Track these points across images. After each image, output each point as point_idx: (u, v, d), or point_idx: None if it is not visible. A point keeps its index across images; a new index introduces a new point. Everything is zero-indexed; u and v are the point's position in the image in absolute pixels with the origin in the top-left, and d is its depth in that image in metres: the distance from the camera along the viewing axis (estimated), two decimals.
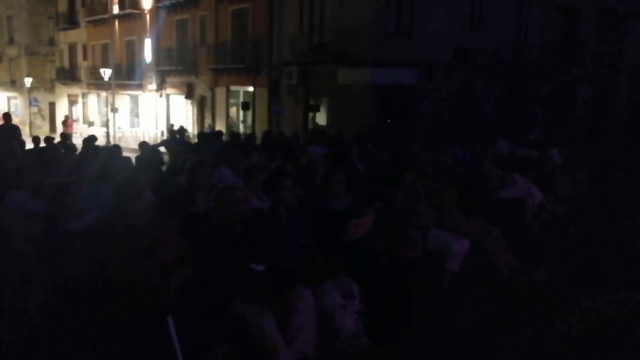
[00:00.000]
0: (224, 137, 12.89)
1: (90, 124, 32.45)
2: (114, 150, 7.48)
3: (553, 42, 18.52)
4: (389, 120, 16.38)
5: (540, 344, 4.15)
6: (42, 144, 10.71)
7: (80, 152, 8.60)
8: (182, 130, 13.97)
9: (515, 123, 17.45)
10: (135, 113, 30.23)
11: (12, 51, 38.08)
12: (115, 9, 28.48)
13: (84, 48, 32.67)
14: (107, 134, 26.71)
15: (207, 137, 12.22)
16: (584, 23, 19.40)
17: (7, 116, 11.97)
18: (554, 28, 18.80)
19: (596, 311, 4.78)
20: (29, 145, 10.75)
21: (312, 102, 18.96)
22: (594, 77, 19.58)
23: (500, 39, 17.02)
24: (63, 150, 8.59)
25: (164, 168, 7.21)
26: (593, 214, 7.27)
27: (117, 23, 28.83)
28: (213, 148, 9.70)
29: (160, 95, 27.15)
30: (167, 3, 24.71)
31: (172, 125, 22.70)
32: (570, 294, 5.09)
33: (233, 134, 12.74)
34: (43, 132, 29.10)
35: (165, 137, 20.73)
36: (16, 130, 11.70)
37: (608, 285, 5.32)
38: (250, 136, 12.14)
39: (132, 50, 28.58)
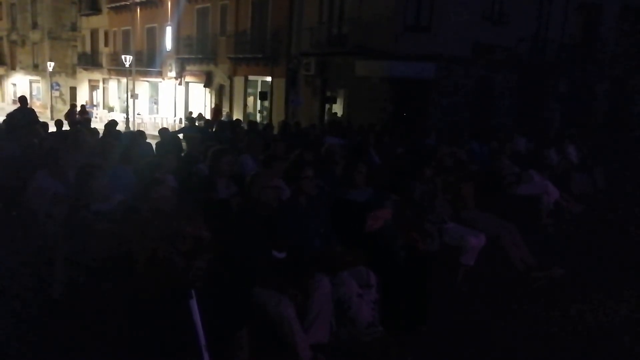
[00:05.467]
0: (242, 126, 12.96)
1: (110, 109, 32.86)
2: (137, 135, 7.60)
3: (573, 38, 18.28)
4: (405, 114, 16.34)
5: (554, 340, 4.19)
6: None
7: (103, 137, 8.76)
8: (200, 118, 14.08)
9: (533, 119, 17.30)
10: (154, 100, 30.53)
11: (35, 35, 38.59)
12: None
13: (106, 34, 33.03)
14: (127, 119, 27.01)
15: (226, 125, 12.32)
16: (605, 20, 19.10)
17: (23, 99, 12.16)
18: (574, 25, 18.54)
19: (612, 309, 4.80)
20: (51, 128, 10.96)
21: (329, 94, 18.98)
22: (613, 75, 19.30)
23: (520, 34, 16.85)
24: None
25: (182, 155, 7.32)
26: (609, 212, 7.25)
27: (138, 10, 29.03)
28: (226, 135, 9.82)
29: (180, 83, 27.36)
30: None
31: (191, 113, 22.88)
32: (585, 291, 5.11)
33: (251, 123, 12.82)
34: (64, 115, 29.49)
35: (183, 125, 20.92)
36: (34, 113, 11.91)
37: (624, 284, 5.33)
38: (268, 126, 12.23)
39: (153, 37, 28.80)
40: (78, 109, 22.91)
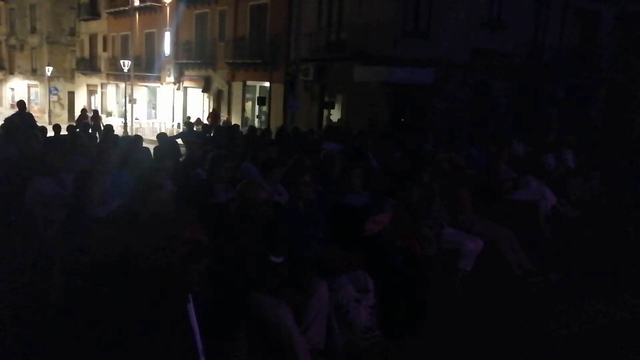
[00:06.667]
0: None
1: (109, 114, 32.85)
2: (135, 140, 7.61)
3: (571, 44, 18.38)
4: (403, 119, 16.40)
5: (551, 345, 4.19)
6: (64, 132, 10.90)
7: (100, 141, 8.77)
8: (199, 123, 14.08)
9: (531, 125, 17.37)
10: (152, 105, 30.54)
11: (34, 40, 38.63)
12: (136, 1, 28.74)
13: (104, 39, 33.10)
14: (125, 124, 27.01)
15: (223, 130, 12.34)
16: (602, 26, 19.21)
17: (21, 104, 12.19)
18: (572, 30, 18.64)
19: (608, 314, 4.81)
20: (50, 132, 10.96)
21: (327, 99, 19.02)
22: (611, 81, 19.39)
23: (518, 40, 16.94)
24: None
25: (181, 159, 7.33)
26: (606, 218, 7.26)
27: (137, 15, 29.08)
28: (224, 140, 9.82)
29: (178, 88, 27.39)
30: None
31: (189, 118, 22.90)
32: (582, 296, 5.11)
33: (251, 128, 12.84)
34: (62, 120, 29.56)
35: (181, 130, 20.96)
36: (32, 117, 11.93)
37: (620, 289, 5.34)
38: (266, 131, 12.24)
39: (152, 42, 28.85)
40: (90, 114, 23.08)
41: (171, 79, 27.39)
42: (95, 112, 25.02)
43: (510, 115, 17.96)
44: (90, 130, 12.69)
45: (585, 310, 4.85)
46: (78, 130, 11.13)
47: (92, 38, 34.56)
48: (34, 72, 39.28)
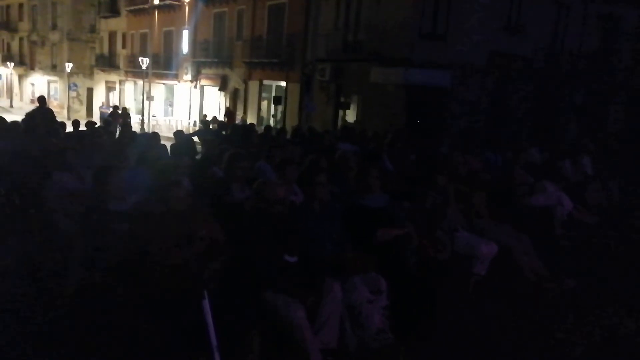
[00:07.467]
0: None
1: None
2: (152, 137, 7.69)
3: (591, 49, 18.15)
4: (418, 121, 16.32)
5: (564, 352, 4.16)
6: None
7: (119, 138, 8.88)
8: (215, 121, 14.18)
9: (549, 129, 17.18)
10: (169, 102, 30.79)
11: (54, 36, 39.20)
12: (156, 0, 29.02)
13: (124, 36, 33.48)
14: (142, 121, 27.28)
15: (239, 129, 12.42)
16: (623, 31, 18.94)
17: (42, 99, 12.40)
18: (592, 35, 18.41)
19: (624, 321, 4.75)
20: (69, 128, 11.13)
21: (343, 100, 19.01)
22: (631, 87, 19.11)
23: (537, 44, 16.77)
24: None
25: (197, 157, 7.40)
26: (624, 225, 7.17)
27: (156, 13, 29.38)
28: (238, 138, 9.88)
29: (195, 86, 27.58)
30: None
31: (205, 116, 23.05)
32: (598, 303, 5.06)
33: (267, 128, 12.90)
34: (80, 116, 29.78)
35: (197, 128, 21.11)
36: (52, 113, 12.12)
37: (636, 296, 5.27)
38: (282, 130, 12.28)
39: (170, 40, 29.10)
40: (120, 111, 23.51)
41: (188, 77, 27.60)
42: (124, 109, 25.25)
43: (528, 119, 17.77)
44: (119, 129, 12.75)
45: (600, 318, 4.80)
46: (97, 126, 11.27)
47: (112, 35, 34.99)
48: (54, 68, 39.83)
